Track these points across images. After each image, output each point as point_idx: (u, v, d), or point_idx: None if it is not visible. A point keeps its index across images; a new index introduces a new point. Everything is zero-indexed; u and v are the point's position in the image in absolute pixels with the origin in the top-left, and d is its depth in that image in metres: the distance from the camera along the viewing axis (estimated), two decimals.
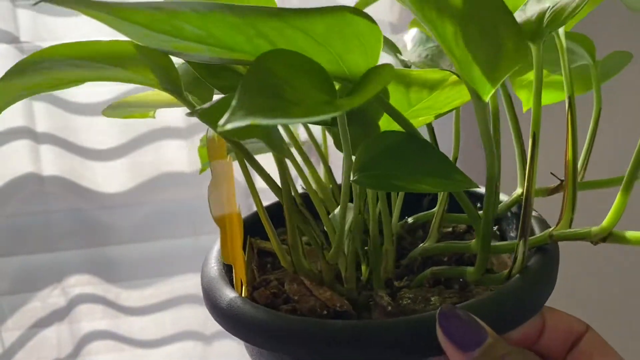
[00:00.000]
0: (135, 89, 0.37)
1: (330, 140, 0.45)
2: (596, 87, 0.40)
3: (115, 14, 0.21)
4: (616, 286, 0.93)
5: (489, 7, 0.23)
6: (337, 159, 0.35)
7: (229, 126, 0.16)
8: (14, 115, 0.74)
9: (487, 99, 0.26)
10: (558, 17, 0.31)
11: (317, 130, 0.47)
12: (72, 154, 0.78)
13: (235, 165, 0.36)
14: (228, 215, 0.35)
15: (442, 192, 0.38)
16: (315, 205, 0.37)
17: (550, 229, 0.32)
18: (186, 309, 0.86)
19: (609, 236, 0.29)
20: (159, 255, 0.84)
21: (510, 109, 0.37)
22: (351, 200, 0.33)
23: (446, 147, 0.38)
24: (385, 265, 0.36)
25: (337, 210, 0.34)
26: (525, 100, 0.45)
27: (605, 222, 0.29)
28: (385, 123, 0.31)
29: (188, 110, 0.28)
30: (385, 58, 0.42)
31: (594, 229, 0.29)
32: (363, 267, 0.37)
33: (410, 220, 0.41)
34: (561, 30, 0.35)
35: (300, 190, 0.38)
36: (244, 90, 0.18)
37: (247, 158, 0.32)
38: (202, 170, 0.50)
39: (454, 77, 0.30)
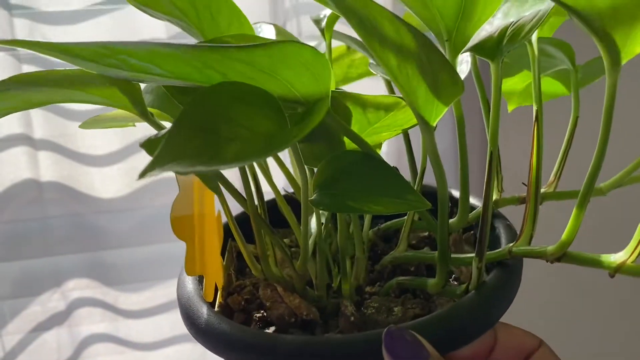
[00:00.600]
0: None
1: None
2: (575, 93, 0.39)
3: (66, 53, 0.21)
4: (576, 297, 0.92)
5: (421, 44, 0.23)
6: None
7: (152, 174, 0.17)
8: (12, 122, 0.75)
9: (435, 123, 0.27)
10: (517, 34, 0.31)
11: None
12: (70, 160, 0.79)
13: None
14: (198, 223, 0.35)
15: None
16: (285, 214, 0.37)
17: (512, 244, 0.32)
18: None
19: (563, 256, 0.29)
20: (156, 258, 0.85)
21: (488, 116, 0.36)
22: None
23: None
24: (356, 273, 0.37)
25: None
26: (509, 101, 0.45)
27: (561, 240, 0.29)
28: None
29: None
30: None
31: (550, 248, 0.29)
32: (334, 274, 0.37)
33: (382, 227, 0.41)
34: (534, 38, 0.35)
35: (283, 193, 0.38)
36: (178, 127, 0.19)
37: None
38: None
39: None
